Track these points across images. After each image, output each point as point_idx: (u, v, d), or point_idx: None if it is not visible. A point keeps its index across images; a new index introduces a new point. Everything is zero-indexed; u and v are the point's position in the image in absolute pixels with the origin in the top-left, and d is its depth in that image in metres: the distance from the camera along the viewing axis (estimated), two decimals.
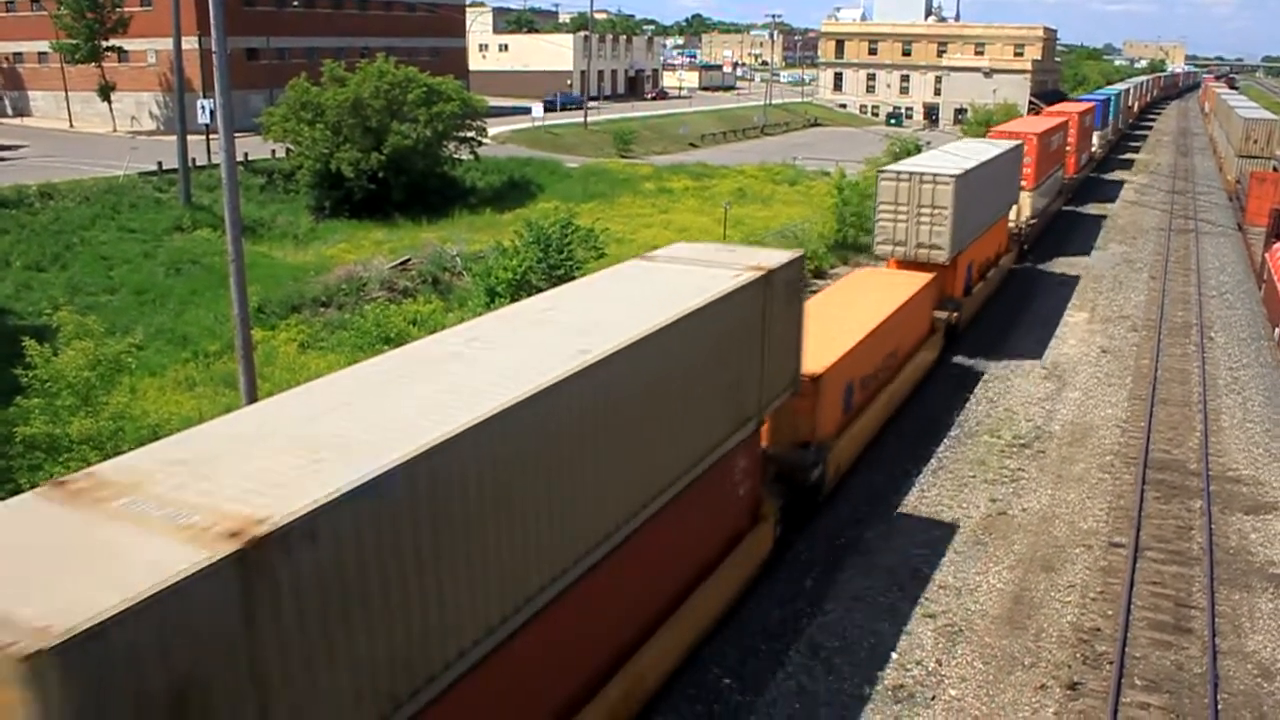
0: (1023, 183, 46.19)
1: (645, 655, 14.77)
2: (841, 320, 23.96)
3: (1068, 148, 61.58)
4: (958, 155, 36.55)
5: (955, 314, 33.71)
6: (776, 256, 18.04)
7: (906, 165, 35.39)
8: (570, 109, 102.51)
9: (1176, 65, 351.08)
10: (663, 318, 13.72)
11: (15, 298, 35.33)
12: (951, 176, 31.77)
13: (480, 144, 63.54)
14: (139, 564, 7.27)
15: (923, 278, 30.11)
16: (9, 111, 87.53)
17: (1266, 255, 41.65)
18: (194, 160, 51.10)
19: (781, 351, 18.05)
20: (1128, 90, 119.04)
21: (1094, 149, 78.70)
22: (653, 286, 15.89)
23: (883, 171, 33.94)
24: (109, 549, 7.56)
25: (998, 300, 41.29)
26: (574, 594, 12.25)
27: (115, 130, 77.84)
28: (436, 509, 9.58)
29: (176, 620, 7.10)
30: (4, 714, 6.42)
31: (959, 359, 33.54)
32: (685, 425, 14.65)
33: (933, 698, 16.36)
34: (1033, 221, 49.17)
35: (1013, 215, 45.35)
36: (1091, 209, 66.48)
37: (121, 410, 16.16)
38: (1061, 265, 49.16)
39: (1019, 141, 44.83)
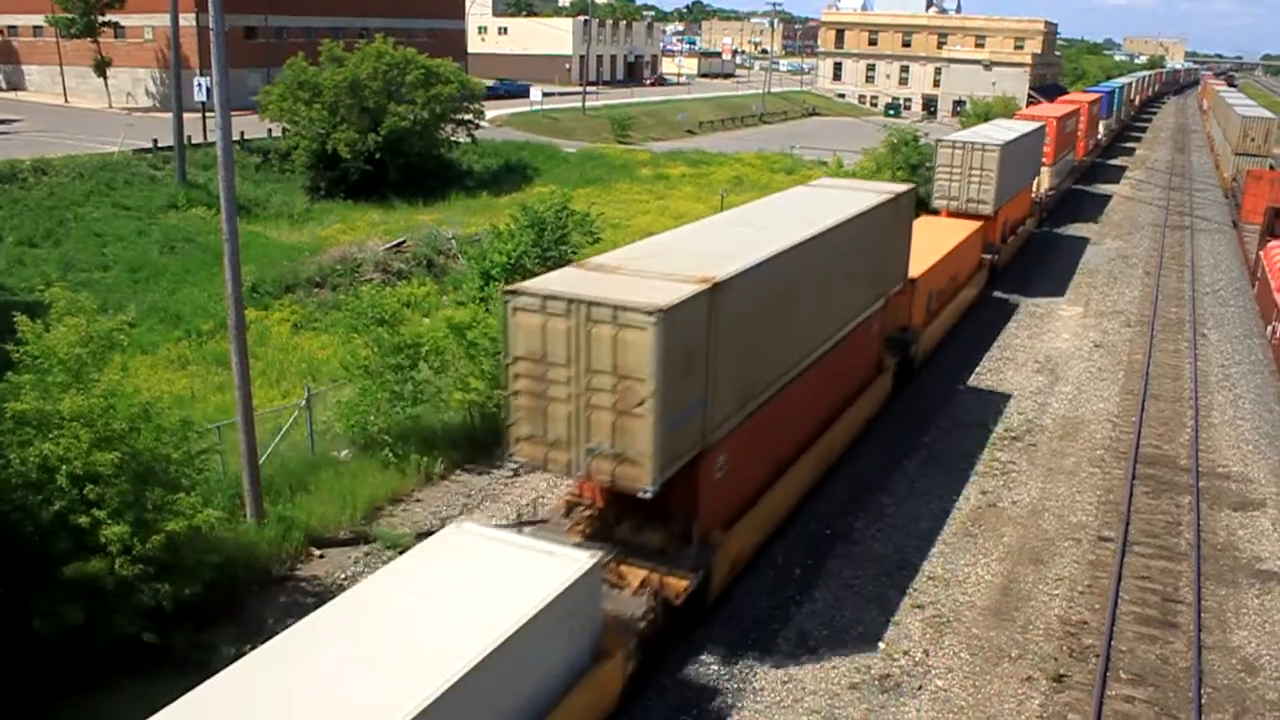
0: (1044, 159, 53.68)
1: (830, 436, 23.17)
2: (919, 249, 29.28)
3: (1079, 133, 68.68)
4: (999, 130, 46.15)
5: (995, 256, 42.28)
6: (899, 188, 26.64)
7: (959, 136, 43.76)
8: (516, 97, 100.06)
9: (1176, 61, 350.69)
10: (843, 215, 21.73)
11: (7, 273, 35.22)
12: (997, 145, 39.64)
13: (478, 127, 63.36)
14: (665, 289, 15.10)
15: (973, 224, 37.88)
16: (3, 85, 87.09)
17: (1261, 253, 41.71)
18: (190, 138, 50.89)
19: (899, 253, 26.68)
20: (1130, 84, 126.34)
21: (1100, 136, 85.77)
22: (826, 201, 23.82)
23: (941, 140, 42.70)
24: (643, 286, 15.31)
25: (1024, 253, 48.99)
26: (801, 381, 20.19)
27: (111, 106, 77.50)
28: (764, 297, 17.59)
29: (689, 315, 15.00)
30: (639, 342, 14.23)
31: (998, 294, 41.72)
32: (854, 286, 23.18)
33: (919, 688, 16.42)
34: (1050, 193, 57.67)
35: (1035, 187, 52.71)
36: (1099, 188, 73.25)
37: (113, 388, 16.06)
38: (1072, 230, 57.05)
39: (1042, 123, 52.50)
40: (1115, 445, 26.75)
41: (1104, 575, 20.09)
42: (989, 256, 41.14)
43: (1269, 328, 36.27)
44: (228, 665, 10.86)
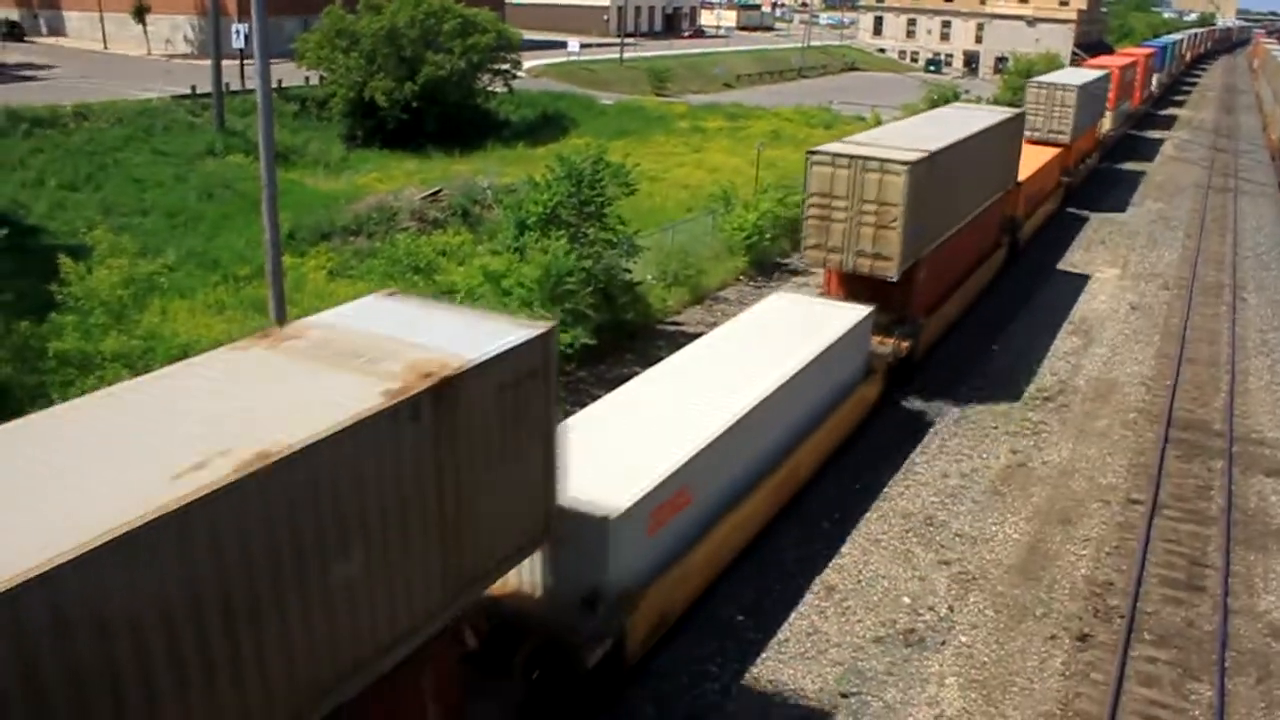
0: (1107, 105, 61.38)
1: (976, 275, 33.30)
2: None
3: (1135, 83, 76.89)
4: (1074, 74, 56.13)
5: (1070, 179, 51.35)
6: (1015, 111, 37.05)
7: (1044, 78, 51.58)
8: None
9: (1228, 19, 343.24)
10: (985, 124, 31.13)
11: (49, 216, 35.60)
12: (1075, 86, 48.40)
13: (514, 77, 63.13)
14: (907, 153, 24.88)
15: (1054, 150, 46.60)
16: (43, 31, 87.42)
17: None
18: (228, 85, 51.06)
19: (1013, 160, 35.60)
20: (1182, 40, 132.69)
21: (1153, 88, 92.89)
22: (973, 115, 33.42)
23: (1029, 81, 52.16)
24: (892, 151, 25.19)
25: (1090, 182, 56.84)
26: (961, 233, 29.32)
27: (149, 53, 77.71)
28: (950, 169, 26.88)
29: (922, 169, 24.57)
30: (896, 183, 23.94)
31: (1070, 210, 50.87)
32: (990, 176, 32.20)
33: (943, 643, 16.55)
34: (1111, 134, 65.71)
35: (1099, 128, 60.80)
36: (1151, 134, 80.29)
37: (153, 330, 16.35)
38: (1129, 165, 65.07)
39: (1106, 71, 60.96)
40: (1148, 408, 26.61)
41: (1132, 537, 20.08)
42: (1065, 179, 50.07)
43: None
44: None
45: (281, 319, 19.74)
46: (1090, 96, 51.63)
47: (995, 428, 24.93)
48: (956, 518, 20.54)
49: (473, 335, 10.69)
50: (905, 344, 25.62)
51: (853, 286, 25.39)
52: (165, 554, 7.33)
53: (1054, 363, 29.55)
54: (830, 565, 18.59)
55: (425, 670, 10.89)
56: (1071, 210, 50.25)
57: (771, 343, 20.36)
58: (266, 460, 8.02)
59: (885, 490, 21.53)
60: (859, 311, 22.78)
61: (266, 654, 8.30)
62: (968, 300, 32.65)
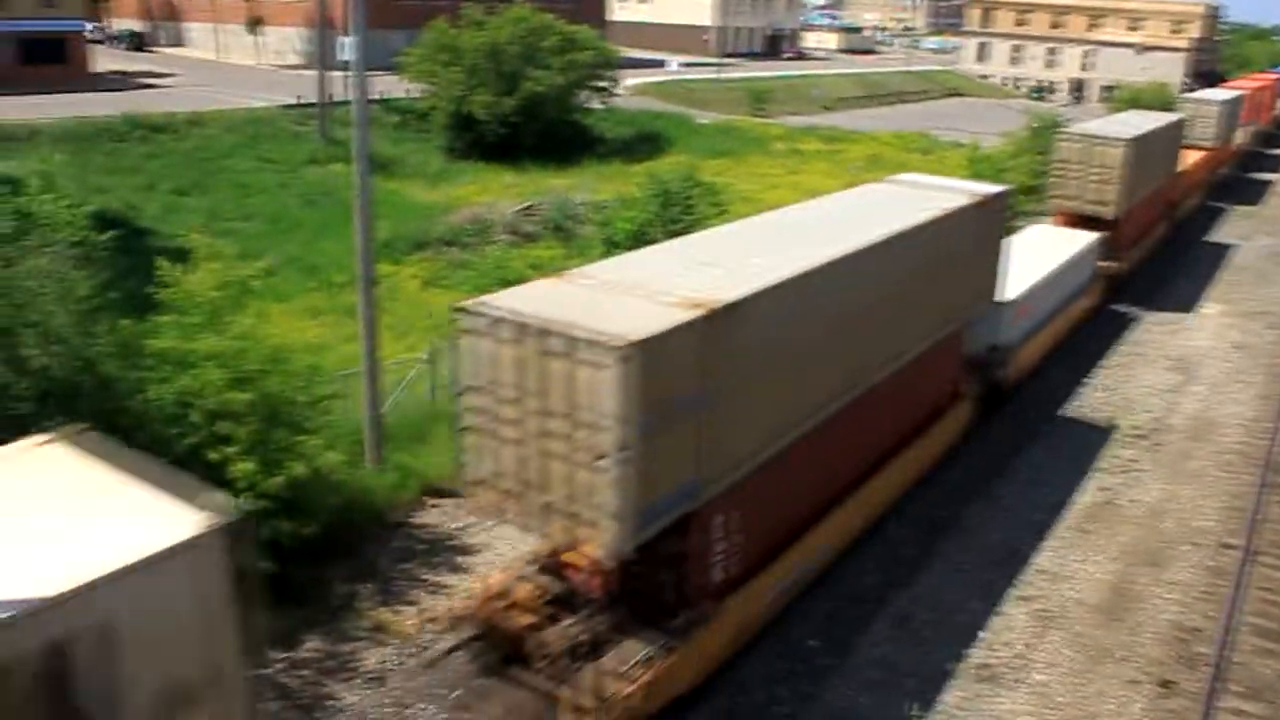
0: (1241, 120, 68.85)
1: (1140, 246, 42.64)
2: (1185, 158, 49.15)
3: (1264, 105, 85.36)
4: (1213, 95, 64.97)
5: (1216, 174, 61.89)
6: (1179, 115, 50.45)
7: (1196, 95, 64.90)
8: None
9: None
10: (1162, 123, 43.32)
11: (160, 220, 36.84)
12: (1216, 102, 59.97)
13: (613, 94, 63.64)
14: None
15: (1202, 154, 55.71)
16: (165, 41, 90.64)
17: None
18: (332, 96, 52.35)
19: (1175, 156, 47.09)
20: None
21: (1277, 110, 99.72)
22: (1154, 117, 45.09)
23: (1182, 98, 67.84)
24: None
25: (1225, 186, 64.59)
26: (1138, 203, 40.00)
27: (261, 63, 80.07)
28: None
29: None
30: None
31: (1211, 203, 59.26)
32: (1164, 164, 43.86)
33: (1018, 680, 16.19)
34: (1242, 146, 73.25)
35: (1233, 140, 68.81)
36: (1273, 151, 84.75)
37: (246, 332, 16.83)
38: (1259, 174, 72.35)
39: (1241, 93, 69.37)
40: (1247, 450, 25.75)
41: (1224, 583, 19.42)
42: (1215, 175, 61.36)
43: None
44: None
45: (371, 326, 20.16)
46: (1225, 114, 60.73)
47: (1085, 463, 24.35)
48: (1039, 553, 20.10)
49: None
50: (1117, 265, 37.15)
51: (1081, 226, 35.49)
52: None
53: (1149, 399, 28.79)
54: (907, 594, 18.33)
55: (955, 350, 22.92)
56: (1213, 204, 59.55)
57: (1057, 240, 33.37)
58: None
59: (967, 520, 21.17)
60: (1092, 236, 33.99)
61: None
62: (1151, 248, 44.32)
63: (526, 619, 13.71)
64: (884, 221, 18.29)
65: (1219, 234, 52.18)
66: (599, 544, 12.38)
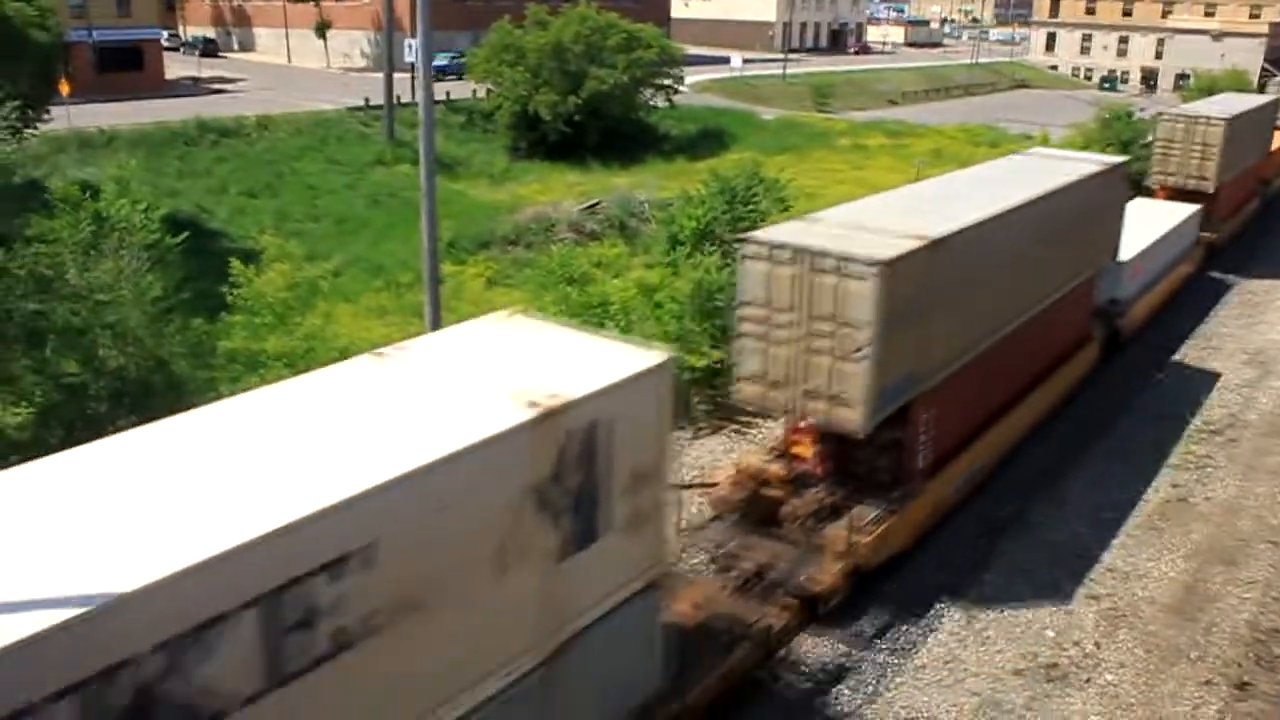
0: None
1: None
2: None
3: None
4: None
5: None
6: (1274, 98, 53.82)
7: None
8: (451, 77, 67.12)
9: None
10: (1255, 104, 48.69)
11: (230, 222, 37.52)
12: None
13: (677, 92, 63.57)
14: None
15: None
16: (236, 47, 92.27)
17: None
18: (399, 98, 52.91)
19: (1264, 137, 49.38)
20: None
21: None
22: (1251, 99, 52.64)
23: (1265, 77, 77.68)
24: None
25: None
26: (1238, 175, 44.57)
27: (329, 67, 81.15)
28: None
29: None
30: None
31: None
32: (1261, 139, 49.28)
33: (1087, 680, 15.93)
34: None
35: None
36: None
37: (314, 331, 17.11)
38: None
39: None
40: None
41: None
42: None
43: None
44: None
45: (436, 325, 20.34)
46: None
47: (1156, 459, 23.88)
48: (1108, 551, 19.75)
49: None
50: (1214, 235, 40.15)
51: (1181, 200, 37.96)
52: None
53: (1224, 394, 28.15)
54: (973, 593, 18.11)
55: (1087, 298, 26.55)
56: None
57: (1160, 212, 35.70)
58: None
59: (1034, 518, 20.88)
60: (1193, 208, 36.84)
61: None
62: (1245, 222, 47.12)
63: (778, 492, 17.59)
64: (1034, 183, 22.10)
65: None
66: (852, 420, 16.31)
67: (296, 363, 16.22)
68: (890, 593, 17.79)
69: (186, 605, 7.41)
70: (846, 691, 15.41)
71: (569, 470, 10.52)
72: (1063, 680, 15.89)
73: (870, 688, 15.53)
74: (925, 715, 15.00)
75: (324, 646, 8.36)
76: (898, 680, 15.71)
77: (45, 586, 7.11)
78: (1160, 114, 44.38)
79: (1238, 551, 20.03)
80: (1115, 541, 20.11)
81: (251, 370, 16.23)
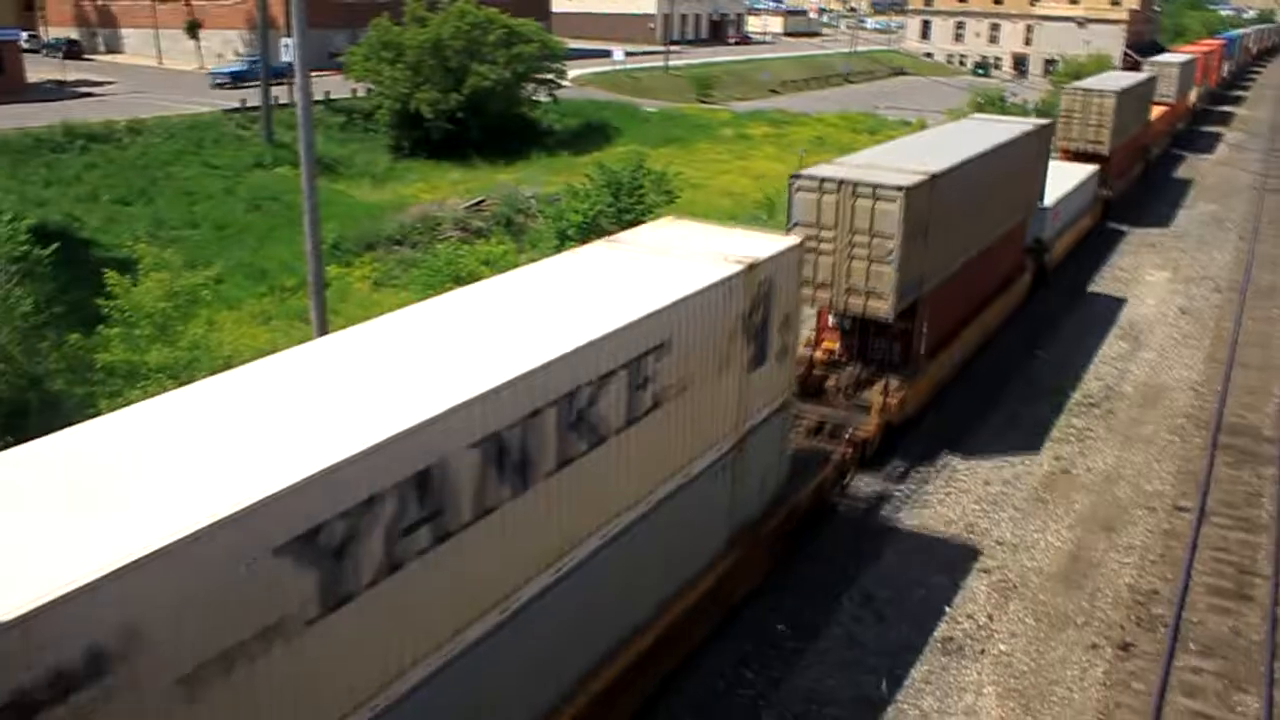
0: (1194, 81, 76.15)
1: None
2: (1156, 112, 56.66)
3: (1212, 68, 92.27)
4: (1173, 58, 72.30)
5: (1176, 127, 69.07)
6: (1150, 75, 58.84)
7: (1161, 59, 71.51)
8: (251, 83, 57.93)
9: None
10: (1135, 81, 52.69)
11: (103, 230, 36.35)
12: (1176, 64, 67.04)
13: (559, 86, 63.49)
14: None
15: (1163, 109, 60.36)
16: (101, 48, 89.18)
17: None
18: (276, 99, 51.85)
19: (1148, 108, 54.81)
20: (1248, 35, 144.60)
21: (1224, 73, 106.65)
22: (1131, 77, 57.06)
23: (1148, 60, 72.39)
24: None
25: (1179, 137, 71.12)
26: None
27: (202, 68, 78.87)
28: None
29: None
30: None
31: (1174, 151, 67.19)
32: (1142, 113, 54.70)
33: (981, 651, 16.41)
34: (1196, 105, 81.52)
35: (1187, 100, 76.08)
36: (1222, 108, 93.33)
37: (197, 341, 16.68)
38: (1208, 128, 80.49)
39: (1193, 56, 76.84)
40: (1197, 414, 26.19)
41: (1178, 545, 19.77)
42: (1174, 127, 68.28)
43: None
44: None
45: (323, 329, 20.00)
46: (1185, 74, 68.77)
47: (1038, 433, 24.68)
48: (997, 525, 20.36)
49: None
50: (1109, 192, 45.61)
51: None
52: None
53: (1100, 367, 29.21)
54: (869, 573, 18.50)
55: (1020, 236, 31.76)
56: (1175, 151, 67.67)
57: (1068, 170, 39.15)
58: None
59: (925, 497, 21.40)
60: (1093, 167, 41.91)
61: None
62: (1133, 181, 52.89)
63: (820, 372, 23.12)
64: (991, 137, 27.17)
65: (1180, 173, 61.88)
66: (884, 308, 21.26)
67: (180, 374, 15.80)
68: (791, 580, 18.06)
69: (598, 365, 11.51)
70: (748, 675, 15.65)
71: (757, 308, 14.88)
72: (959, 653, 16.20)
73: (775, 673, 15.78)
74: (827, 697, 15.30)
75: (649, 402, 12.54)
76: (799, 663, 15.98)
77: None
78: (1064, 87, 53.69)
79: (1117, 518, 20.76)
80: (1004, 515, 20.70)
81: (132, 383, 15.76)
